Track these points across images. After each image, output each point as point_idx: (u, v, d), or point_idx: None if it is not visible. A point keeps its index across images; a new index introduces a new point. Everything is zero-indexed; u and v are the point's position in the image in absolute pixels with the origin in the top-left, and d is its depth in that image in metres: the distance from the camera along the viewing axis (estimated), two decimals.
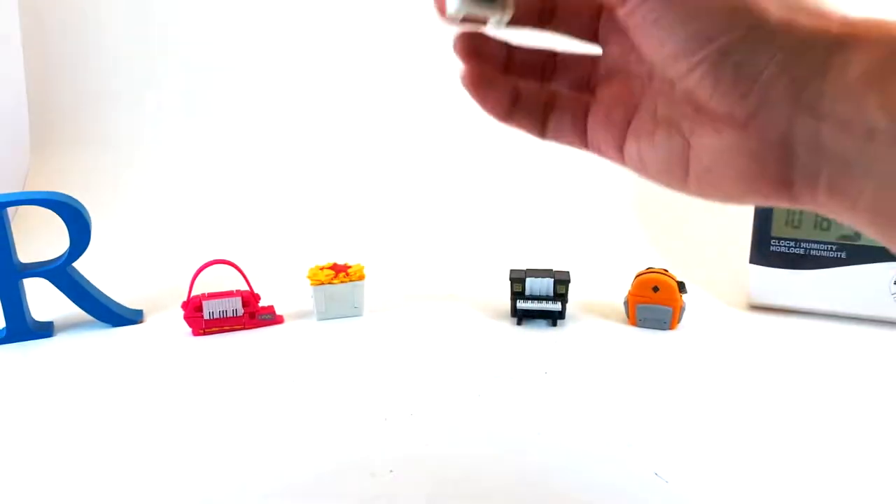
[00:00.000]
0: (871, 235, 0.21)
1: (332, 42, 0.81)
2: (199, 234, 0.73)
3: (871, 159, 0.19)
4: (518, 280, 0.51)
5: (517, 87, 0.27)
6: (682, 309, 0.50)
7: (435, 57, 0.81)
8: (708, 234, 0.71)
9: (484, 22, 0.27)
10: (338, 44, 0.81)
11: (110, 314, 0.51)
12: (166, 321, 0.52)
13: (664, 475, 0.32)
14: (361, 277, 0.52)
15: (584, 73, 0.28)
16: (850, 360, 0.45)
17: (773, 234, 0.53)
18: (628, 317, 0.51)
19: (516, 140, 0.87)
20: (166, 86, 0.81)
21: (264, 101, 0.82)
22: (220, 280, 0.52)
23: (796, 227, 0.52)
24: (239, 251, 0.57)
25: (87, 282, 0.51)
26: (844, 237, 0.51)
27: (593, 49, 0.27)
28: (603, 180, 0.77)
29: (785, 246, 0.52)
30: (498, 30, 0.28)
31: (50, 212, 0.47)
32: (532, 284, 0.50)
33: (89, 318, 0.51)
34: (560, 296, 0.51)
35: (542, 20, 0.27)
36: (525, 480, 0.31)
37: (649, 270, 0.50)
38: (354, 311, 0.53)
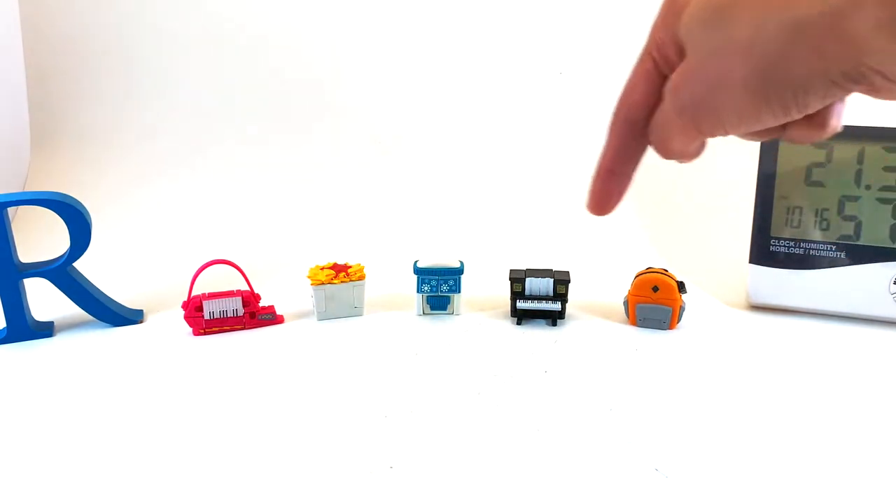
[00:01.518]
0: None
1: (332, 41, 0.81)
2: (199, 234, 0.73)
3: None
4: (518, 280, 0.51)
5: None
6: (682, 309, 0.50)
7: (434, 57, 0.81)
8: (708, 234, 0.71)
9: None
10: (338, 42, 0.81)
11: (111, 314, 0.51)
12: (166, 321, 0.53)
13: (664, 471, 0.32)
14: (361, 277, 0.53)
15: None
16: (849, 360, 0.45)
17: (773, 234, 0.53)
18: (628, 316, 0.52)
19: (516, 140, 0.87)
20: (168, 86, 0.81)
21: (265, 101, 0.82)
22: (220, 280, 0.52)
23: (796, 227, 0.52)
24: (239, 251, 0.57)
25: (88, 282, 0.51)
26: (844, 237, 0.51)
27: None
28: None
29: (785, 246, 0.52)
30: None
31: (50, 212, 0.47)
32: (532, 284, 0.51)
33: (89, 318, 0.51)
34: (560, 296, 0.51)
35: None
36: (525, 477, 0.31)
37: (649, 270, 0.51)
38: (354, 311, 0.53)
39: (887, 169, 0.50)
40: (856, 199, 0.51)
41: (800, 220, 0.52)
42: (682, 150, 0.29)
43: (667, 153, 0.30)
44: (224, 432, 0.36)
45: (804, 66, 0.22)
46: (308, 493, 0.30)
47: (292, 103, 0.82)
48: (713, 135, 0.28)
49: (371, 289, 0.55)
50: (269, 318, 0.52)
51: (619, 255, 0.69)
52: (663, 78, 0.29)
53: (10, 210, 0.47)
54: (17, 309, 0.48)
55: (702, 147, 0.29)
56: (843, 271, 0.51)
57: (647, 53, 0.30)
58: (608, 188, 0.34)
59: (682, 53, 0.27)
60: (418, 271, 0.52)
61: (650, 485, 0.31)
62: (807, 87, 0.23)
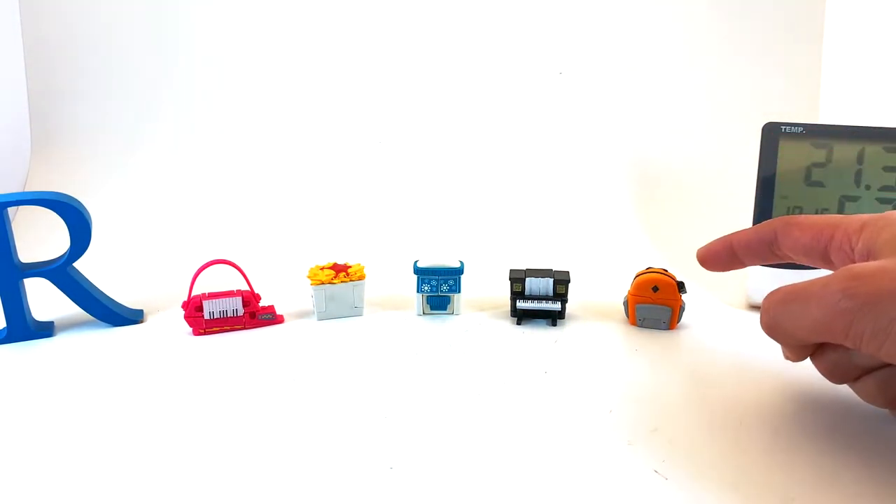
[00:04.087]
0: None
1: (332, 40, 0.81)
2: (199, 234, 0.73)
3: None
4: (518, 280, 0.51)
5: None
6: (682, 309, 0.50)
7: (435, 57, 0.81)
8: (708, 234, 0.71)
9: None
10: (338, 41, 0.81)
11: (111, 314, 0.51)
12: (166, 321, 0.53)
13: (664, 472, 0.32)
14: (361, 277, 0.53)
15: None
16: None
17: None
18: (628, 316, 0.52)
19: (515, 140, 0.87)
20: (168, 86, 0.81)
21: (265, 101, 0.82)
22: (220, 280, 0.52)
23: None
24: (239, 251, 0.57)
25: (88, 282, 0.51)
26: None
27: None
28: (602, 180, 0.77)
29: None
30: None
31: (50, 212, 0.47)
32: (532, 284, 0.51)
33: (90, 318, 0.51)
34: (560, 296, 0.51)
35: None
36: (525, 478, 0.31)
37: (649, 270, 0.51)
38: (354, 311, 0.53)
39: (887, 169, 0.50)
40: (856, 199, 0.51)
41: None
42: None
43: None
44: (224, 432, 0.36)
45: None
46: (308, 493, 0.30)
47: (292, 103, 0.82)
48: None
49: (371, 289, 0.55)
50: (269, 318, 0.52)
51: (619, 255, 0.69)
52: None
53: (10, 210, 0.47)
54: (17, 309, 0.48)
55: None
56: None
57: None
58: (722, 258, 0.42)
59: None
60: (418, 271, 0.52)
61: (650, 486, 0.31)
62: None
